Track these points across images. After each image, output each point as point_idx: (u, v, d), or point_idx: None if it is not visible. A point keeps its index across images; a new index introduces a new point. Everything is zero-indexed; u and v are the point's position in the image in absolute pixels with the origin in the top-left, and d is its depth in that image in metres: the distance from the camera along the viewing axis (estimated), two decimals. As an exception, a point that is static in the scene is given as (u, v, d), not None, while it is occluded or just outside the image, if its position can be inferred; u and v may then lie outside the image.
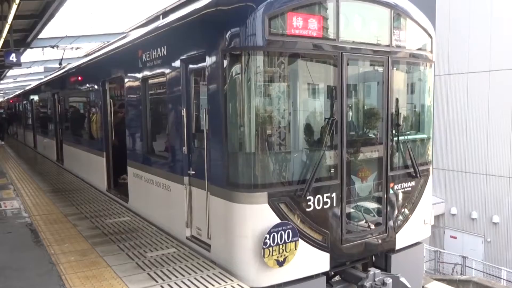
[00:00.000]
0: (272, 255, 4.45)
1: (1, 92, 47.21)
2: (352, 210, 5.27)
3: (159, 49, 5.96)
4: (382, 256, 5.69)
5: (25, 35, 15.73)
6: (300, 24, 4.54)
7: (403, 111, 5.80)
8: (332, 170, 4.98)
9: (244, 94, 4.47)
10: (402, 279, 5.18)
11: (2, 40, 12.94)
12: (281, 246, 4.49)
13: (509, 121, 18.38)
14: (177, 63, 5.52)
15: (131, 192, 7.51)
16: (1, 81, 34.58)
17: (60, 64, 18.03)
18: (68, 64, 16.14)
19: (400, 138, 5.63)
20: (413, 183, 5.81)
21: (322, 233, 4.87)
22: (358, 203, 5.37)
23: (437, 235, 20.40)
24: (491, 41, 18.82)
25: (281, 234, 4.48)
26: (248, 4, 4.43)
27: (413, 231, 5.86)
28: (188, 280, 4.56)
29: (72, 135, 11.87)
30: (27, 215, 7.32)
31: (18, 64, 13.45)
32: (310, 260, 4.81)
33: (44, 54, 20.25)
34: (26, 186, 9.81)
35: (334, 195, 4.95)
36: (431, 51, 5.99)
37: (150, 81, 6.57)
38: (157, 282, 4.53)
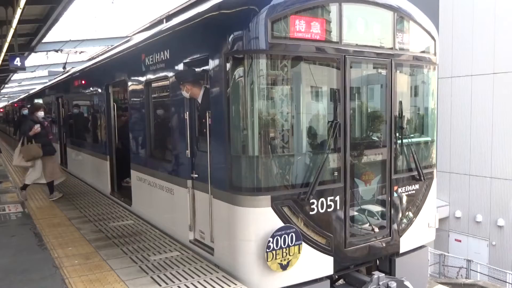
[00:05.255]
0: (276, 258, 4.44)
1: (6, 96, 47.51)
2: (356, 213, 5.25)
3: (162, 52, 5.98)
4: (386, 260, 5.66)
5: (29, 39, 15.87)
6: (303, 27, 4.54)
7: (407, 114, 5.77)
8: (336, 173, 4.96)
9: (247, 97, 4.46)
10: (407, 283, 5.15)
11: (7, 44, 13.05)
12: (284, 250, 4.47)
13: (514, 123, 18.31)
14: (180, 67, 5.53)
15: (134, 195, 7.52)
16: (6, 85, 34.80)
17: (64, 68, 18.14)
18: (72, 68, 16.23)
19: (404, 141, 5.61)
20: (417, 186, 5.78)
21: (325, 236, 4.85)
22: (362, 206, 5.35)
23: (442, 238, 20.30)
24: (495, 43, 18.77)
25: (284, 237, 4.46)
26: (251, 7, 4.43)
27: (417, 234, 5.83)
28: (192, 283, 4.55)
29: (76, 139, 11.91)
30: (31, 218, 7.33)
31: (22, 68, 13.56)
32: (314, 263, 4.79)
33: (48, 58, 20.41)
34: (30, 190, 9.83)
35: (337, 198, 4.93)
36: (435, 54, 5.98)
37: (153, 85, 6.58)
38: (160, 285, 4.52)
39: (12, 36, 12.05)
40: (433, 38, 5.90)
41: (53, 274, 4.88)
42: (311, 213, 4.73)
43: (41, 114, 8.80)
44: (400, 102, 5.53)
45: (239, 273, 4.62)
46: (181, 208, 5.68)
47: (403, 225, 5.64)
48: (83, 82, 10.87)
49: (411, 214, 5.74)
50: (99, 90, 9.15)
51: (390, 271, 5.63)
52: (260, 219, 4.49)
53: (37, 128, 8.36)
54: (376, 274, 5.13)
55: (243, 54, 4.44)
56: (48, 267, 5.11)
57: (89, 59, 18.84)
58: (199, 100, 5.26)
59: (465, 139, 20.07)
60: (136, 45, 7.27)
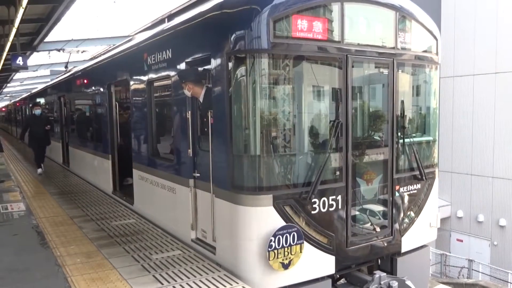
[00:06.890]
0: (277, 257, 4.45)
1: (8, 95, 47.62)
2: (357, 213, 5.26)
3: (164, 52, 5.99)
4: (387, 259, 5.66)
5: (31, 38, 15.89)
6: (305, 27, 4.54)
7: (409, 114, 5.77)
8: (338, 173, 4.96)
9: (249, 97, 4.47)
10: (408, 282, 5.15)
11: (9, 43, 13.06)
12: (286, 249, 4.48)
13: (516, 123, 18.27)
14: (182, 66, 5.54)
15: (136, 194, 7.54)
16: (8, 84, 34.88)
17: (66, 67, 18.17)
18: (74, 67, 16.25)
19: (406, 140, 5.61)
20: (419, 186, 5.78)
21: (327, 235, 4.85)
22: (364, 206, 5.35)
23: (443, 238, 20.29)
24: (497, 42, 18.74)
25: (286, 236, 4.47)
26: (253, 7, 4.43)
27: (419, 234, 5.83)
28: (193, 282, 4.56)
29: (78, 138, 11.94)
30: (33, 217, 7.36)
31: (24, 67, 13.56)
32: (316, 263, 4.79)
33: (50, 57, 20.45)
34: (32, 189, 9.87)
35: (339, 197, 4.94)
36: (437, 53, 5.97)
37: (156, 84, 6.59)
38: (162, 284, 4.53)
39: (14, 36, 12.06)
40: (435, 37, 5.90)
41: (56, 273, 4.90)
42: (313, 212, 4.74)
43: None
44: (402, 102, 5.53)
45: (241, 272, 4.63)
46: (183, 207, 5.70)
47: (404, 224, 5.64)
48: (85, 81, 10.89)
49: (412, 214, 5.74)
50: (101, 90, 9.17)
51: (391, 271, 5.63)
52: (262, 218, 4.50)
53: None
54: (378, 273, 5.14)
55: (245, 54, 4.44)
56: (50, 265, 5.13)
57: (91, 59, 18.87)
58: (201, 99, 5.27)
59: (467, 139, 20.04)
60: (138, 45, 7.28)
